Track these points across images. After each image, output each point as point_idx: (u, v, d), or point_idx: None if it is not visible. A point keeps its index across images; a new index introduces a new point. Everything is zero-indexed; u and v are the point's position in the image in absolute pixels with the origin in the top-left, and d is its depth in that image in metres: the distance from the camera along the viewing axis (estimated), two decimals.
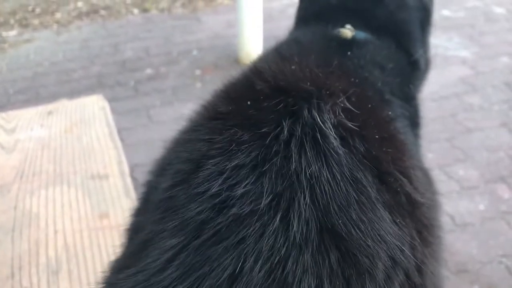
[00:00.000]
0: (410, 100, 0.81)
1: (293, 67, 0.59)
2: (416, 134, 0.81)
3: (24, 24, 4.14)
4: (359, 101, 0.54)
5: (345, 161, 0.47)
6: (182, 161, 0.51)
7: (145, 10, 4.36)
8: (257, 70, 0.59)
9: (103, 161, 1.17)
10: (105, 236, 0.97)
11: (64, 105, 1.42)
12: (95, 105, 1.41)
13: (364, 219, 0.44)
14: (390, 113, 0.63)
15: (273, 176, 0.45)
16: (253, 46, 3.18)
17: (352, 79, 0.63)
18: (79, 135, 1.27)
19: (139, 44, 3.68)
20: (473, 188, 2.06)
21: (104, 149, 1.22)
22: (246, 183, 0.45)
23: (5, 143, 1.23)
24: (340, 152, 0.47)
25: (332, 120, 0.49)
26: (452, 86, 2.91)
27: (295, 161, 0.45)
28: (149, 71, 3.27)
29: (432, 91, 2.84)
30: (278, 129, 0.48)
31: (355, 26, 0.85)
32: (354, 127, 0.50)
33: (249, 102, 0.52)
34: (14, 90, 3.09)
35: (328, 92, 0.53)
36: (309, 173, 0.45)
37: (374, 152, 0.49)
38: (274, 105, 0.50)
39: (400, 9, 0.95)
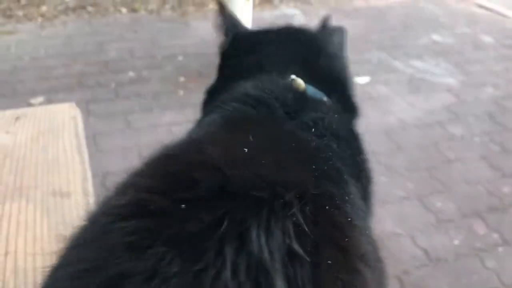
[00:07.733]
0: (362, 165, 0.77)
1: (245, 150, 0.52)
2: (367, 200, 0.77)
3: (8, 15, 4.04)
4: (316, 208, 0.48)
5: None
6: (95, 264, 0.42)
7: (133, 10, 4.29)
8: (200, 156, 0.50)
9: (67, 177, 1.11)
10: None
11: (33, 111, 1.36)
12: (66, 114, 1.35)
13: None
14: (349, 215, 0.55)
15: None
16: None
17: (313, 167, 0.57)
18: (45, 146, 1.21)
19: (124, 44, 3.61)
20: (449, 221, 2.03)
21: (70, 163, 1.16)
22: None
23: None
24: None
25: (281, 250, 0.42)
26: (437, 113, 2.90)
27: None
28: (131, 74, 3.20)
29: (417, 116, 2.83)
30: (219, 263, 0.40)
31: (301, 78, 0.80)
32: (305, 257, 0.43)
33: (183, 206, 0.43)
34: None
35: (282, 200, 0.46)
36: None
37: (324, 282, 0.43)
38: (217, 221, 0.42)
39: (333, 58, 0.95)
